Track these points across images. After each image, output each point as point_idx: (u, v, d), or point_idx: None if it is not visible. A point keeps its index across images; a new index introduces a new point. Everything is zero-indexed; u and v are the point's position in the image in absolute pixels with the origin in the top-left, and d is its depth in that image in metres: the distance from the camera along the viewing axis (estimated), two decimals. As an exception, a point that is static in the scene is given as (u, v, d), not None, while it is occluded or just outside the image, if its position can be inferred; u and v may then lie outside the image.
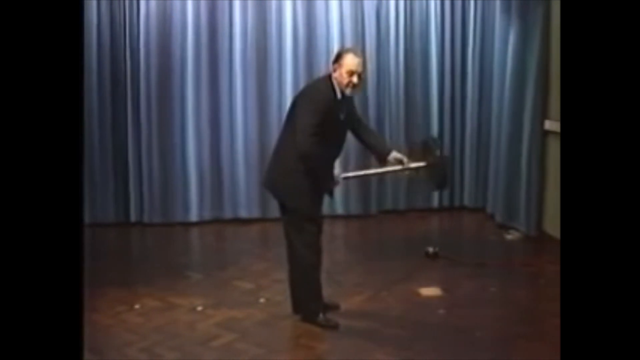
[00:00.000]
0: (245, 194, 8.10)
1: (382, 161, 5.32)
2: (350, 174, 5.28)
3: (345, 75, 4.89)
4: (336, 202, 7.75)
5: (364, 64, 5.07)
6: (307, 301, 5.17)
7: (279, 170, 5.11)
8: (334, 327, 5.09)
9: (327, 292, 5.33)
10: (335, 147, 5.02)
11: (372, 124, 8.11)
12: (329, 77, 5.00)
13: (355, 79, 4.90)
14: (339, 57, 4.97)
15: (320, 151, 4.84)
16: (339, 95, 4.94)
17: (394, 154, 5.23)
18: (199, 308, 5.49)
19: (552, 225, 7.06)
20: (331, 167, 5.04)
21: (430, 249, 6.74)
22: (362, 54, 7.99)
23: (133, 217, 7.96)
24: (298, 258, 5.10)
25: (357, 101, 7.92)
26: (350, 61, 4.91)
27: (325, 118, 4.82)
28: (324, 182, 5.05)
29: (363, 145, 5.45)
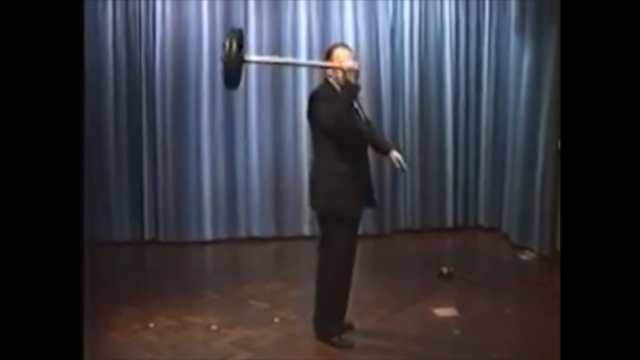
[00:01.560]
0: (260, 213, 8.12)
1: (385, 154, 5.38)
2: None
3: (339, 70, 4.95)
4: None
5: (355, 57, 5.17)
6: (326, 319, 5.15)
7: (318, 181, 5.09)
8: (349, 347, 5.08)
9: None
10: (359, 136, 5.03)
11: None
12: (326, 80, 5.05)
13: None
14: (329, 55, 5.06)
15: (351, 127, 4.88)
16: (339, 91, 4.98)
17: (395, 153, 5.32)
18: (214, 327, 5.49)
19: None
20: (367, 168, 5.12)
21: (445, 270, 6.72)
22: (377, 69, 8.14)
23: (148, 235, 7.99)
24: (324, 273, 5.08)
25: (371, 119, 8.01)
26: (341, 54, 5.00)
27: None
28: (360, 177, 5.06)
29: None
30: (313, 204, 5.19)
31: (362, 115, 5.15)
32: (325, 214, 5.08)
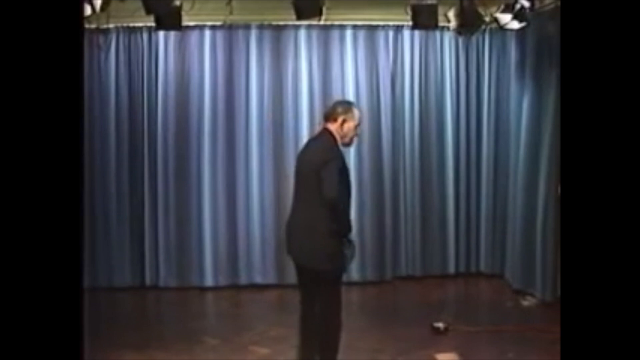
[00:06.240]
0: (261, 260, 8.09)
1: None
2: None
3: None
4: (351, 269, 7.73)
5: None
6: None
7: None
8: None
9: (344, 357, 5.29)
10: None
11: (387, 188, 8.18)
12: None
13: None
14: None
15: None
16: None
17: None
18: (215, 373, 5.47)
19: (569, 292, 7.00)
20: None
21: (441, 325, 6.51)
22: (377, 117, 8.17)
23: (148, 281, 7.97)
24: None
25: (373, 167, 8.07)
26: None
27: None
28: None
29: None
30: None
31: None
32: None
